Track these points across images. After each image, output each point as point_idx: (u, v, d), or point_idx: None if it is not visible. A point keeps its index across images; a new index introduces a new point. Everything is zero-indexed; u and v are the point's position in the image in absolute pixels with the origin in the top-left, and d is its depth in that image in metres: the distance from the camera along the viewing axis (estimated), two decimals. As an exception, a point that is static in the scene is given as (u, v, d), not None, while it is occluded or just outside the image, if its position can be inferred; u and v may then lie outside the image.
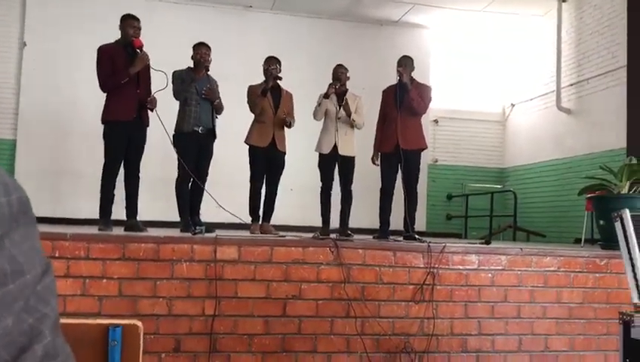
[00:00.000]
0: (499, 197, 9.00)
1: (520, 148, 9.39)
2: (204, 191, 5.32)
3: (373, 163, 5.79)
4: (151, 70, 5.10)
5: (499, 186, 9.37)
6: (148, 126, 5.09)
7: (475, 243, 4.93)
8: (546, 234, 8.13)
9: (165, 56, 5.45)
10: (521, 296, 4.27)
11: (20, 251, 0.45)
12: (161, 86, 5.07)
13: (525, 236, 8.15)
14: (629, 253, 2.37)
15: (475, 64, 9.53)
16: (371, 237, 5.45)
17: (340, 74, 5.76)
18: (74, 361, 0.48)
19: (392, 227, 5.71)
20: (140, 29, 5.05)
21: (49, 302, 0.47)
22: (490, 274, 4.24)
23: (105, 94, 5.00)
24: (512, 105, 9.65)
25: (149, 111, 5.08)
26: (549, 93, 8.66)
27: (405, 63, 5.66)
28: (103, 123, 5.01)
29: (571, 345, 4.29)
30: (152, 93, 5.08)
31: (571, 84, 8.25)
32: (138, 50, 4.96)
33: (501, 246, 4.59)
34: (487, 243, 4.96)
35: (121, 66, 4.92)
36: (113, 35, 5.14)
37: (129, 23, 5.02)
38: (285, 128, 5.70)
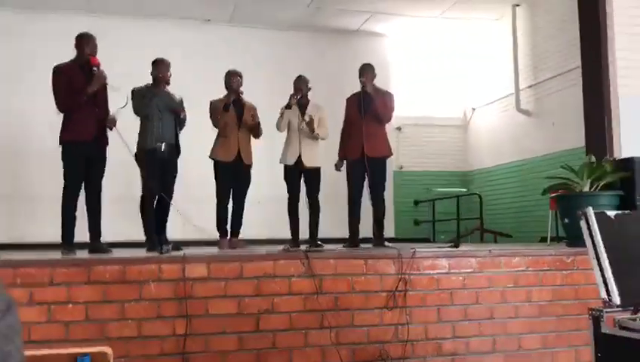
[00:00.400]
0: (465, 200, 9.11)
1: (483, 151, 9.54)
2: (171, 209, 5.22)
3: (337, 169, 5.81)
4: (108, 88, 5.00)
5: (464, 190, 9.49)
6: (107, 145, 4.98)
7: (444, 247, 4.96)
8: (513, 234, 8.26)
9: (124, 73, 5.35)
10: (492, 298, 4.30)
11: None
12: (120, 104, 4.97)
13: (493, 237, 8.26)
14: (595, 250, 2.41)
15: (435, 70, 9.66)
16: (342, 246, 5.43)
17: (300, 84, 5.75)
18: None
19: (362, 235, 5.71)
20: (95, 47, 4.96)
21: (13, 340, 0.45)
22: (461, 278, 4.26)
23: (61, 114, 4.88)
24: (473, 109, 9.81)
25: (108, 130, 4.97)
26: (509, 96, 8.83)
27: (367, 71, 5.70)
28: (60, 144, 4.87)
29: (544, 342, 4.33)
30: (111, 112, 4.98)
31: (529, 86, 8.43)
32: (95, 69, 4.86)
33: (470, 249, 4.63)
34: (456, 246, 5.00)
35: (79, 85, 4.80)
36: (68, 53, 5.02)
37: (85, 41, 4.93)
38: (252, 140, 5.66)
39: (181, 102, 5.32)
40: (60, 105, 4.83)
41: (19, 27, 7.73)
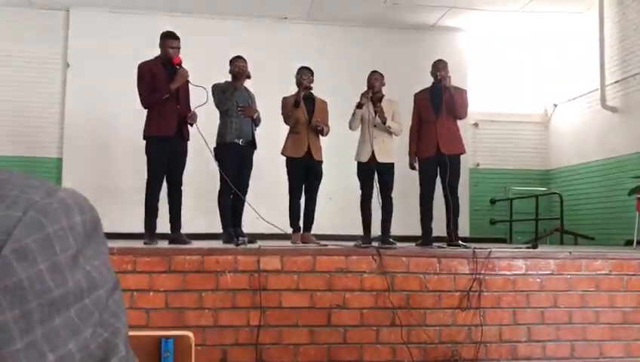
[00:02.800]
0: (544, 200, 8.79)
1: (564, 149, 9.15)
2: (245, 203, 5.36)
3: (412, 168, 5.74)
4: (190, 86, 5.18)
5: (544, 189, 9.14)
6: (189, 140, 5.17)
7: (522, 248, 4.82)
8: (595, 236, 7.89)
9: (202, 71, 5.53)
10: (571, 301, 4.14)
11: (92, 267, 0.47)
12: (200, 102, 5.15)
13: (573, 239, 7.92)
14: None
15: (515, 65, 9.36)
16: (414, 244, 5.38)
17: (374, 80, 5.73)
18: None
19: (435, 233, 5.64)
20: (179, 47, 5.13)
21: (120, 317, 0.48)
22: (538, 279, 4.13)
23: (146, 110, 5.10)
24: (555, 105, 9.43)
25: (189, 126, 5.16)
26: (593, 92, 8.43)
27: (444, 66, 5.60)
28: (144, 138, 5.11)
29: (627, 351, 4.13)
30: (192, 109, 5.16)
31: (616, 82, 8.01)
32: (177, 67, 5.04)
33: (549, 251, 4.47)
34: (534, 247, 4.84)
35: (162, 83, 5.00)
36: (152, 52, 5.25)
37: (168, 41, 5.11)
38: (321, 137, 5.71)
39: (250, 108, 5.44)
40: (143, 101, 5.06)
41: (104, 26, 8.13)
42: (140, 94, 5.08)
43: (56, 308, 0.43)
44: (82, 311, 0.45)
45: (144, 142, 5.12)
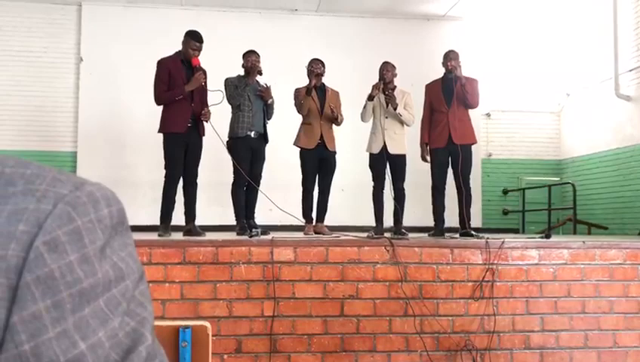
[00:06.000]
0: (557, 190, 8.75)
1: (577, 139, 9.09)
2: (259, 195, 5.40)
3: (424, 160, 5.73)
4: (206, 85, 5.20)
5: (556, 179, 9.10)
6: (204, 135, 5.21)
7: (535, 238, 4.81)
8: (609, 226, 7.85)
9: (215, 63, 5.55)
10: (585, 291, 4.14)
11: (119, 258, 0.48)
12: (215, 100, 5.19)
13: (586, 229, 7.89)
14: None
15: (527, 54, 9.29)
16: (426, 235, 5.39)
17: (385, 72, 5.72)
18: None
19: (447, 224, 5.64)
20: (200, 49, 5.14)
21: (146, 307, 0.50)
22: (551, 269, 4.13)
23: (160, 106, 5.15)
24: (567, 94, 9.36)
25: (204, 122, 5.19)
26: (607, 81, 8.35)
27: (455, 56, 5.58)
28: (159, 132, 5.15)
29: (641, 340, 4.13)
30: (207, 106, 5.18)
31: (630, 70, 7.94)
32: (195, 69, 5.06)
33: (562, 240, 4.46)
34: (547, 237, 4.84)
35: (179, 80, 5.04)
36: (165, 45, 5.28)
37: (191, 42, 5.12)
38: (334, 127, 5.71)
39: (269, 89, 5.47)
40: (157, 99, 5.11)
41: (116, 20, 8.18)
42: (155, 90, 5.11)
43: (86, 298, 0.45)
44: (111, 301, 0.46)
45: (158, 136, 5.16)
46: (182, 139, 5.04)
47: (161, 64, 5.13)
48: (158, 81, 5.10)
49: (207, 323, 1.34)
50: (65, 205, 0.46)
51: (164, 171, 5.09)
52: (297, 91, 5.70)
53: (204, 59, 5.22)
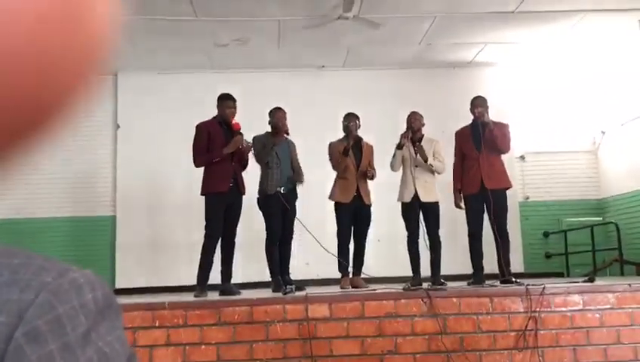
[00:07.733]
0: (600, 230, 8.48)
1: (617, 177, 8.86)
2: (292, 250, 5.41)
3: (458, 207, 5.66)
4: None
5: (598, 219, 8.84)
6: (244, 194, 5.30)
7: (577, 282, 4.65)
8: (658, 266, 7.53)
9: (244, 121, 5.67)
10: (635, 336, 3.95)
11: (105, 343, 0.47)
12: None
13: (634, 270, 7.58)
14: None
15: (558, 95, 9.21)
16: (465, 283, 5.27)
17: (413, 121, 5.76)
18: None
19: (486, 271, 5.51)
20: (235, 107, 5.33)
21: None
22: (597, 315, 3.97)
23: (202, 168, 5.27)
24: (603, 132, 9.20)
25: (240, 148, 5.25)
26: (644, 116, 8.19)
27: (482, 102, 5.60)
28: (202, 195, 5.26)
29: (702, 387, 3.89)
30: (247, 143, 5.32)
31: (667, 104, 7.78)
32: (235, 132, 5.22)
33: (606, 284, 4.30)
34: (591, 280, 4.66)
35: (218, 142, 5.20)
36: (198, 109, 5.45)
37: (226, 102, 5.33)
38: (369, 180, 5.73)
39: (294, 149, 5.56)
40: (197, 161, 5.26)
41: (150, 87, 8.48)
42: (194, 153, 5.27)
43: None
44: None
45: (194, 198, 5.27)
46: (224, 199, 5.13)
47: (200, 128, 5.30)
48: (197, 144, 5.26)
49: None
50: (47, 293, 0.45)
51: (202, 231, 5.16)
52: (333, 148, 5.73)
53: (237, 118, 5.37)
